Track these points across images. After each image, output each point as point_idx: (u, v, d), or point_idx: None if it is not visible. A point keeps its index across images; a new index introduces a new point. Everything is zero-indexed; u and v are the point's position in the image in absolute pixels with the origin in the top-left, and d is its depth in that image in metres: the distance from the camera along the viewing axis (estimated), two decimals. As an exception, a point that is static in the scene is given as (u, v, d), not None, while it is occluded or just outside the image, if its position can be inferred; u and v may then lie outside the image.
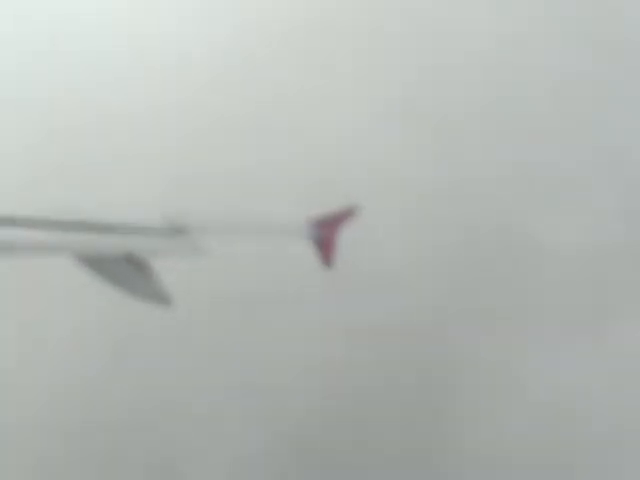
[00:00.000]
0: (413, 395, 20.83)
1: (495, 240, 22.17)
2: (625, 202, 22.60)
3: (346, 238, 12.11)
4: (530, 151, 23.29)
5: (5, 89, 21.85)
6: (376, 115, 23.20)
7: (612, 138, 23.19)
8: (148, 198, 20.32)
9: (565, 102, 23.69)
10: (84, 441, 19.77)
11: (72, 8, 22.72)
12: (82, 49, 22.45)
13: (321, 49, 23.39)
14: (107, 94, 22.23)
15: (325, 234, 11.46)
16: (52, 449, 19.67)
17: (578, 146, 23.14)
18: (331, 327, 20.84)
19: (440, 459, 20.38)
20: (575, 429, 20.41)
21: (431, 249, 22.05)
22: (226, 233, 10.34)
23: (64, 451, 19.70)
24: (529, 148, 23.33)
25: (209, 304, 18.58)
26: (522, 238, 22.24)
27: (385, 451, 20.41)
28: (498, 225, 22.29)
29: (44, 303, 19.97)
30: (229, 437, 20.07)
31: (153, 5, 22.91)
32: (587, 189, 22.75)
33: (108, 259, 9.55)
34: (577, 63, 23.66)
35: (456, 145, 23.37)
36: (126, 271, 9.59)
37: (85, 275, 10.04)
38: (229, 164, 21.67)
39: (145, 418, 19.93)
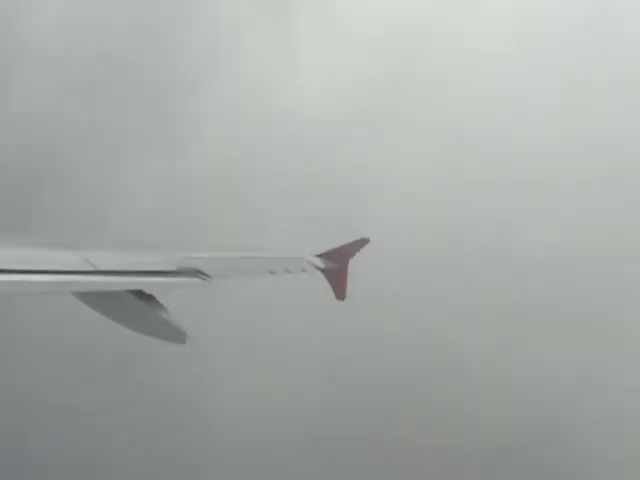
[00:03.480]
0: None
1: (494, 249, 22.00)
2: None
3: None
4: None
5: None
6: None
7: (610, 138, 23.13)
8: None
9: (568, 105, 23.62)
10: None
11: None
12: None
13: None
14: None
15: (337, 267, 11.32)
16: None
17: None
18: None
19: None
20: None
21: (430, 251, 21.93)
22: (236, 269, 10.13)
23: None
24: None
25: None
26: (521, 243, 22.06)
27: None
28: (497, 234, 22.12)
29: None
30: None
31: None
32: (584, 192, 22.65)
33: (113, 295, 9.24)
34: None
35: (456, 152, 23.26)
36: (134, 308, 9.30)
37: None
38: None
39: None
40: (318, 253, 11.20)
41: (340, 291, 11.43)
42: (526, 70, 23.73)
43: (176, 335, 9.16)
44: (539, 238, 21.96)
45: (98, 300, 8.99)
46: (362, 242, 11.81)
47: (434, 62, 23.80)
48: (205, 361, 18.98)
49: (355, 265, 11.79)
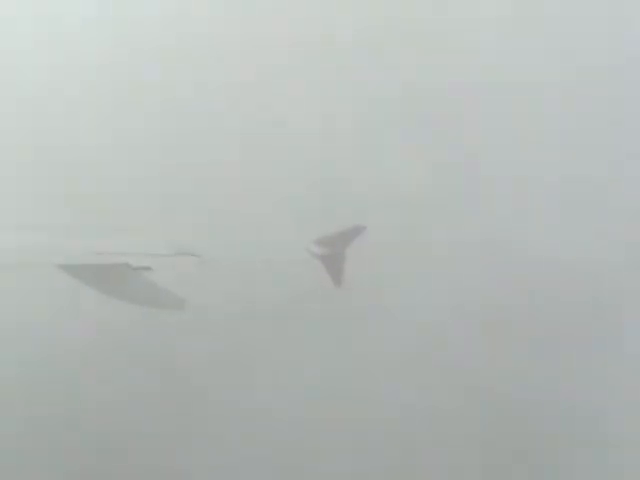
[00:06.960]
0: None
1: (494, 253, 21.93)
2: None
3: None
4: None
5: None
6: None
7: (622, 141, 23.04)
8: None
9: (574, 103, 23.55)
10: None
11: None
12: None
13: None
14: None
15: (334, 252, 11.39)
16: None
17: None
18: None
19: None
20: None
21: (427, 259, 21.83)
22: (232, 255, 10.15)
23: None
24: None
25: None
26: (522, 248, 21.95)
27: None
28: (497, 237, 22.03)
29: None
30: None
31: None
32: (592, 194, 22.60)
33: (107, 269, 9.19)
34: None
35: (456, 147, 23.14)
36: (128, 278, 9.24)
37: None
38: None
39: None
40: (314, 239, 11.26)
41: (336, 277, 11.52)
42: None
43: (174, 301, 9.14)
44: (540, 242, 21.78)
45: (93, 275, 8.98)
46: (358, 229, 11.89)
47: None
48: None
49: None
